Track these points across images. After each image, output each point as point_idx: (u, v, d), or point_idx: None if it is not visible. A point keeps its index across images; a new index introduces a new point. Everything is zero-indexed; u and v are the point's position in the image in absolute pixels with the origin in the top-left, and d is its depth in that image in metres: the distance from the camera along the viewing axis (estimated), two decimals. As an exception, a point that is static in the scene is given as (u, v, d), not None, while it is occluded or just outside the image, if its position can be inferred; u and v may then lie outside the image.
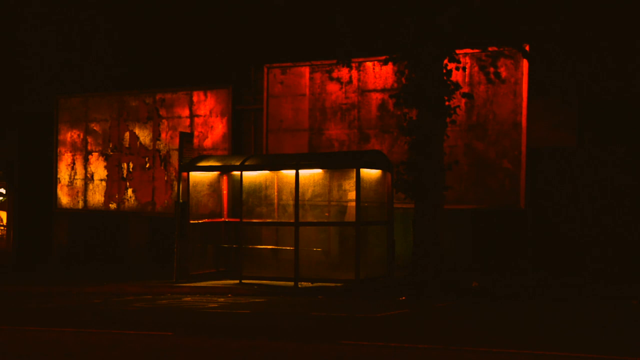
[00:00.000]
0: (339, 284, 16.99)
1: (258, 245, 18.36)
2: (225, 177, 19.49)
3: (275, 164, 18.07)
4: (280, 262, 17.99)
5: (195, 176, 18.71)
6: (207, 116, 21.27)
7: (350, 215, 17.20)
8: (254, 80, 20.90)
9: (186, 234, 18.31)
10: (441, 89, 16.45)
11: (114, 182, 22.61)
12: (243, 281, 17.86)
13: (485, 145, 18.13)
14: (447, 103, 16.57)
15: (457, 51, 16.88)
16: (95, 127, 23.00)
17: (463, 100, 17.77)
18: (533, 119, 17.75)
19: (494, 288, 16.29)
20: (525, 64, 17.59)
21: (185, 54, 22.87)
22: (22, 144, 24.37)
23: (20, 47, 25.30)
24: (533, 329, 11.70)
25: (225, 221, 19.47)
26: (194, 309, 14.62)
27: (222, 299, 15.98)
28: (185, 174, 18.55)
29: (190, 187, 18.51)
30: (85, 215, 23.16)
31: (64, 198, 23.49)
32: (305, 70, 20.08)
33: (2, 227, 24.68)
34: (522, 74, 17.72)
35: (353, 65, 19.12)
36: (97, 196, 22.88)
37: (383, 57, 17.89)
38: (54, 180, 23.67)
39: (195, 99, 21.47)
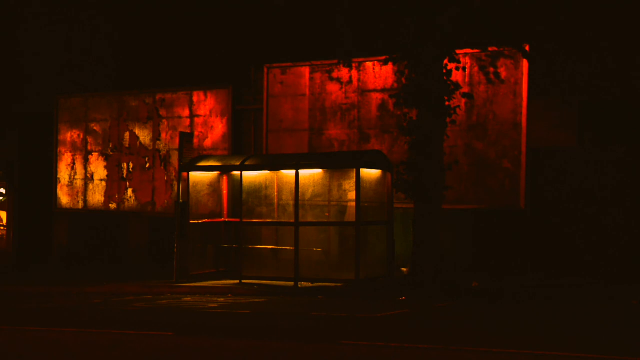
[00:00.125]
0: (339, 284, 16.99)
1: (258, 245, 18.36)
2: (225, 177, 19.49)
3: (275, 164, 18.07)
4: (280, 262, 17.99)
5: (195, 176, 18.71)
6: (207, 116, 21.27)
7: (350, 215, 17.20)
8: (254, 80, 20.90)
9: (186, 234, 18.31)
10: (441, 89, 16.45)
11: (114, 182, 22.61)
12: (243, 281, 17.86)
13: (485, 145, 18.13)
14: (447, 103, 16.57)
15: (457, 51, 16.87)
16: (95, 127, 23.00)
17: (463, 100, 17.77)
18: (533, 119, 17.75)
19: (494, 288, 16.29)
20: (525, 64, 17.59)
21: (185, 54, 22.89)
22: (22, 144, 24.38)
23: (20, 47, 25.31)
24: (533, 329, 11.70)
25: (225, 221, 19.47)
26: (194, 309, 14.62)
27: (222, 299, 15.98)
28: (185, 174, 18.55)
29: (190, 187, 18.51)
30: (85, 215, 23.16)
31: (64, 198, 23.50)
32: (305, 70, 20.08)
33: (2, 227, 24.68)
34: (522, 74, 17.72)
35: (353, 65, 19.12)
36: (97, 196, 22.88)
37: (383, 57, 17.88)
38: (54, 180, 23.67)
39: (195, 99, 21.47)
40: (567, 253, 17.49)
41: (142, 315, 14.04)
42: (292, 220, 17.33)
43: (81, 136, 23.25)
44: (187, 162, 18.73)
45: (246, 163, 18.02)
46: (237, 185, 18.69)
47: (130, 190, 22.32)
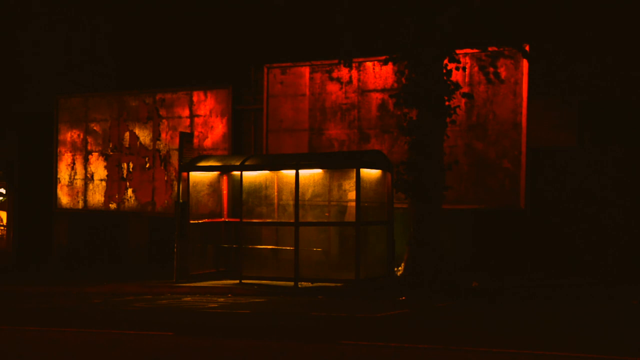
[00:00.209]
0: (339, 284, 16.99)
1: (258, 245, 18.36)
2: (225, 177, 19.49)
3: (275, 164, 18.07)
4: (280, 262, 17.99)
5: (195, 176, 18.71)
6: (207, 116, 21.27)
7: (350, 215, 17.20)
8: (254, 80, 20.90)
9: (186, 234, 18.31)
10: (441, 89, 16.46)
11: (114, 182, 22.61)
12: (243, 281, 17.86)
13: (485, 145, 18.13)
14: (447, 103, 16.58)
15: (457, 51, 16.88)
16: (95, 127, 23.00)
17: (463, 100, 17.78)
18: (533, 119, 17.75)
19: (494, 288, 16.29)
20: (525, 64, 17.59)
21: (185, 54, 22.90)
22: (22, 144, 24.38)
23: (20, 47, 25.31)
24: (533, 329, 11.69)
25: (225, 221, 19.47)
26: (194, 309, 14.62)
27: (222, 299, 15.98)
28: (185, 174, 18.55)
29: (190, 187, 18.51)
30: (85, 215, 23.16)
31: (64, 198, 23.50)
32: (305, 70, 20.08)
33: (2, 227, 24.68)
34: (522, 74, 17.72)
35: (353, 65, 19.12)
36: (97, 196, 22.88)
37: (383, 57, 17.89)
38: (54, 180, 23.67)
39: (195, 99, 21.47)
40: (567, 253, 17.49)
41: (142, 315, 14.04)
42: (292, 220, 17.34)
43: (81, 136, 23.25)
44: (187, 162, 18.73)
45: (246, 163, 18.02)
46: (237, 185, 18.69)
47: (130, 190, 22.32)
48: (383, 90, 19.17)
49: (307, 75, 20.04)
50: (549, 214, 17.71)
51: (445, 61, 16.54)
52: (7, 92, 24.95)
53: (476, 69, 18.03)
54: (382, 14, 16.82)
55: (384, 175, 17.59)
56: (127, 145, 22.38)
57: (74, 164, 23.33)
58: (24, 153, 24.35)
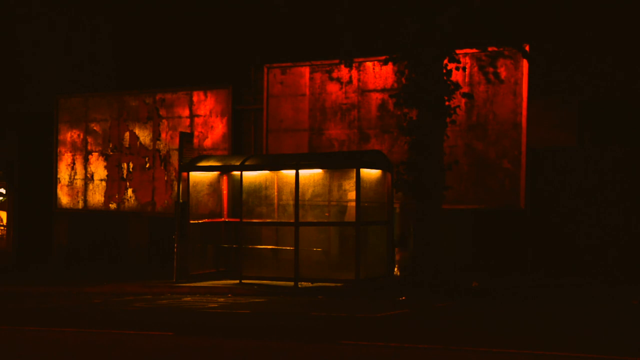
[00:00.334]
0: (339, 284, 16.99)
1: (258, 245, 18.36)
2: (225, 177, 19.49)
3: (275, 164, 18.07)
4: (280, 262, 17.99)
5: (195, 176, 18.71)
6: (207, 116, 21.27)
7: (350, 215, 17.21)
8: (254, 80, 20.90)
9: (186, 234, 18.31)
10: (441, 89, 16.46)
11: (114, 182, 22.61)
12: (243, 281, 17.86)
13: (485, 145, 18.13)
14: (447, 103, 16.58)
15: (457, 51, 16.88)
16: (95, 127, 23.00)
17: (463, 100, 17.78)
18: (533, 119, 17.75)
19: (494, 288, 16.29)
20: (525, 64, 17.59)
21: (185, 54, 22.90)
22: (22, 144, 24.38)
23: (20, 47, 25.31)
24: (533, 329, 11.69)
25: (225, 221, 19.47)
26: (194, 309, 14.62)
27: (222, 299, 15.98)
28: (185, 174, 18.55)
29: (190, 187, 18.51)
30: (85, 215, 23.16)
31: (64, 198, 23.49)
32: (305, 70, 20.08)
33: (2, 227, 24.68)
34: (522, 74, 17.71)
35: (353, 65, 19.12)
36: (97, 196, 22.88)
37: (383, 57, 17.89)
38: (54, 180, 23.67)
39: (195, 99, 21.47)
40: (567, 253, 17.49)
41: (142, 315, 14.04)
42: (292, 220, 17.34)
43: (81, 136, 23.25)
44: (187, 162, 18.73)
45: (246, 163, 18.02)
46: (237, 185, 18.69)
47: (130, 190, 22.32)
48: (383, 90, 19.17)
49: (307, 75, 20.04)
50: (549, 213, 17.71)
51: (445, 61, 16.54)
52: (7, 92, 24.96)
53: (476, 69, 18.03)
54: (382, 14, 16.82)
55: (384, 175, 17.59)
56: (127, 145, 22.38)
57: (74, 164, 23.33)
58: (24, 153, 24.34)
